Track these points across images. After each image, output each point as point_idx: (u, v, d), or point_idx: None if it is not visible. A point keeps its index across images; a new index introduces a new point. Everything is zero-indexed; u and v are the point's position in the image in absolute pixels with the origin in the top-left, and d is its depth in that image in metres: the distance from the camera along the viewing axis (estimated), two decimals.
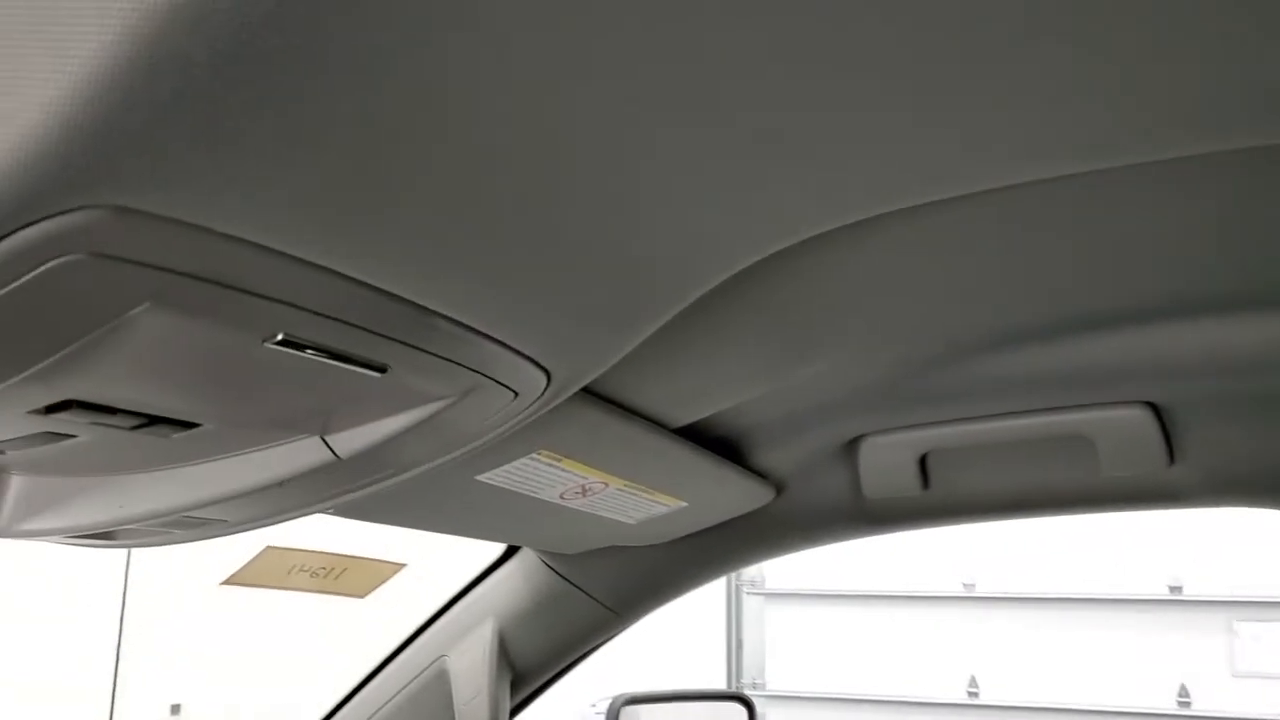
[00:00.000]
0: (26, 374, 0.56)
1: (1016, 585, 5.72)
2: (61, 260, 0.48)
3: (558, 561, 1.60)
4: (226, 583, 1.34)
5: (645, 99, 0.56)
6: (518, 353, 0.75)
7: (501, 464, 1.07)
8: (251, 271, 0.55)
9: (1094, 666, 5.53)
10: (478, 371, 0.75)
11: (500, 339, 0.72)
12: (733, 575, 6.17)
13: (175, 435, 0.74)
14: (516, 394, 0.80)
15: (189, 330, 0.58)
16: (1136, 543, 5.38)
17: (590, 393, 1.04)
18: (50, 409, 0.66)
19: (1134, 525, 5.30)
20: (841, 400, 1.26)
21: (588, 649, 1.68)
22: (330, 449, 0.80)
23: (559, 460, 1.10)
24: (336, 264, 0.58)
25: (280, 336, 0.61)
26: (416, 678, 1.64)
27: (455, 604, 1.64)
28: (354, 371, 0.68)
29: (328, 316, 0.61)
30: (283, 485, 0.82)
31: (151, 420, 0.71)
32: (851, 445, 1.40)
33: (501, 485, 1.13)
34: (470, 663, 1.59)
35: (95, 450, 0.77)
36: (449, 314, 0.67)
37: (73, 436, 0.72)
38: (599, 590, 1.61)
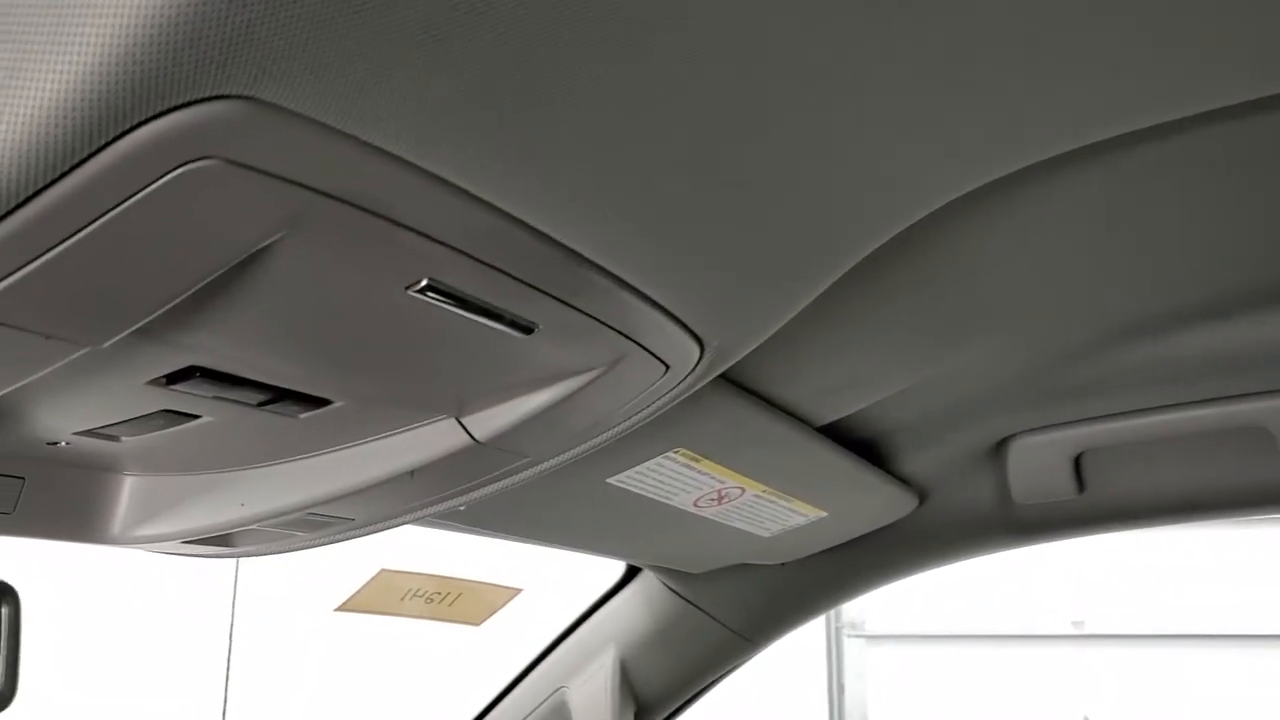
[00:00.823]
0: (148, 320, 0.50)
1: (1130, 622, 5.47)
2: (191, 166, 0.41)
3: (681, 584, 1.52)
4: (342, 609, 1.28)
5: (847, 25, 0.49)
6: (672, 316, 0.67)
7: (635, 464, 1.00)
8: (397, 195, 0.48)
9: (1219, 709, 5.25)
10: (629, 337, 0.67)
11: (656, 299, 0.65)
12: (832, 617, 6.02)
13: (303, 415, 0.68)
14: (667, 367, 0.72)
15: (327, 269, 0.51)
16: (1261, 574, 5.12)
17: (732, 384, 0.96)
18: (171, 380, 0.60)
19: (1257, 554, 5.06)
20: (989, 396, 1.17)
21: (715, 677, 1.60)
22: (467, 431, 0.73)
23: (696, 461, 1.02)
24: (488, 192, 0.50)
25: (424, 281, 0.54)
26: (534, 711, 1.56)
27: (573, 631, 1.57)
28: (498, 332, 0.61)
29: (475, 259, 0.54)
30: (413, 476, 0.76)
31: (278, 396, 0.64)
32: (999, 446, 1.31)
33: (633, 489, 1.05)
34: (591, 694, 1.51)
35: (215, 437, 0.71)
36: (605, 264, 0.60)
37: (193, 417, 0.66)
38: (726, 614, 1.53)
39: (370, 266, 0.52)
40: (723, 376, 0.85)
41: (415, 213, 0.50)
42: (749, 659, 1.60)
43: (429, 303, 0.56)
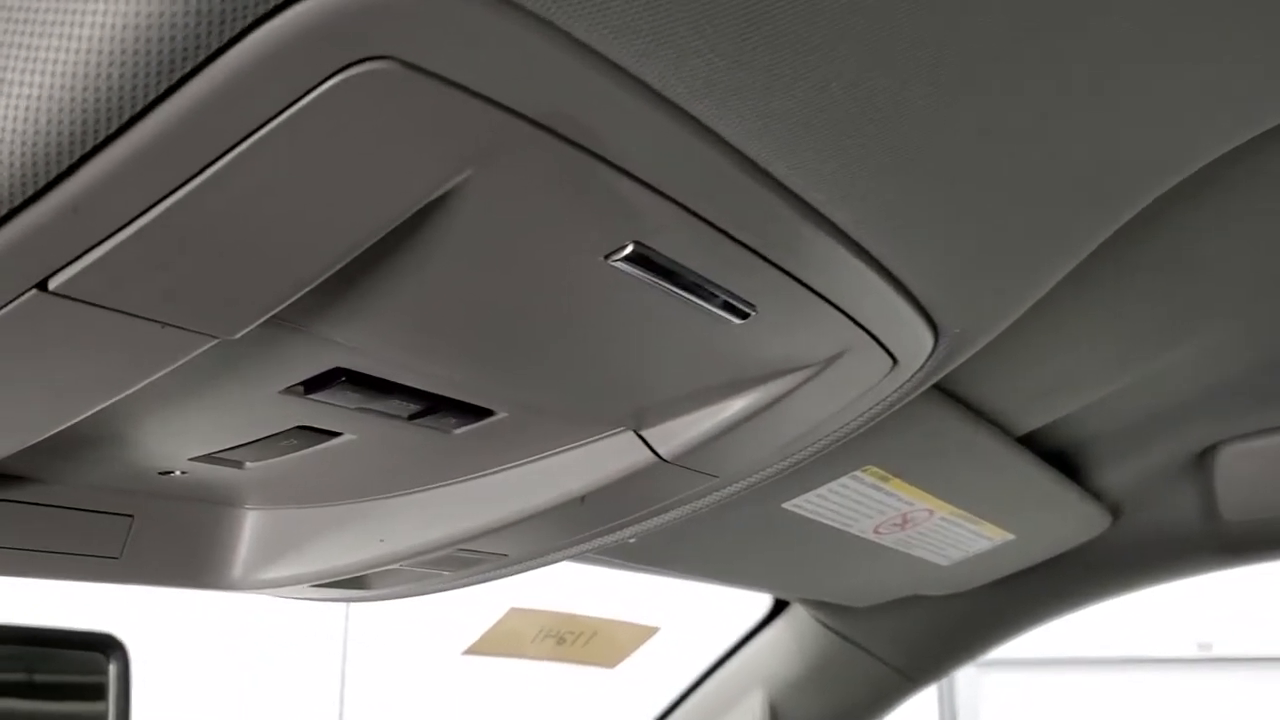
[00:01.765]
0: (289, 304, 0.37)
1: (1262, 644, 5.19)
2: (357, 70, 0.29)
3: (834, 618, 1.38)
4: (470, 651, 1.16)
5: None
6: (910, 297, 0.54)
7: (816, 486, 0.87)
8: (610, 120, 0.35)
9: None
10: (857, 323, 0.54)
11: (894, 273, 0.51)
12: None
13: (458, 430, 0.56)
14: (895, 362, 0.59)
15: (515, 227, 0.39)
16: None
17: (934, 388, 0.82)
18: (309, 387, 0.48)
19: None
20: (1196, 398, 1.03)
21: (874, 719, 1.45)
22: (649, 447, 0.60)
23: (885, 481, 0.89)
24: (720, 119, 0.37)
25: (629, 248, 0.41)
26: None
27: (717, 671, 1.44)
28: (706, 317, 0.48)
29: (694, 214, 0.41)
30: (584, 501, 0.63)
31: (433, 405, 0.52)
32: (1205, 456, 1.16)
33: (810, 515, 0.92)
34: None
35: (353, 460, 0.59)
36: (844, 224, 0.46)
37: (332, 435, 0.55)
38: (885, 649, 1.40)
39: (568, 225, 0.40)
40: None
41: (628, 146, 0.37)
42: (908, 699, 1.46)
43: (630, 277, 0.43)
